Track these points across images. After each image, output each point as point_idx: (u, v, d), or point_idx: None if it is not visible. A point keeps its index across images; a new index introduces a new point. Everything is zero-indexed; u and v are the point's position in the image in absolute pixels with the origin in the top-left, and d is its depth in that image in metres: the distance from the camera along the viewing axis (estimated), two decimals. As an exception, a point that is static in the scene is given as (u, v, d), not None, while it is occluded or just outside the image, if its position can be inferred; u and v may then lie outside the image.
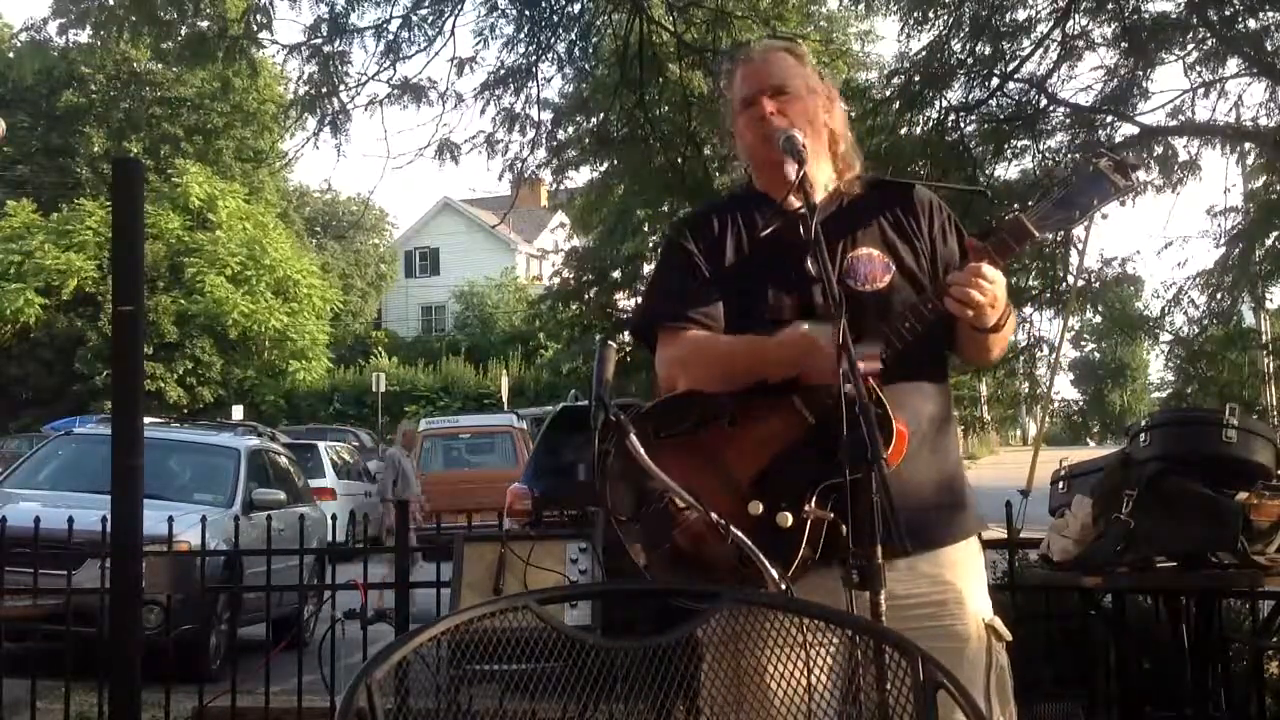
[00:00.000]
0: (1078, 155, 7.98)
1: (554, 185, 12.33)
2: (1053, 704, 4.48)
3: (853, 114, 8.19)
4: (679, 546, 2.10)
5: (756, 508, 2.06)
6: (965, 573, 2.20)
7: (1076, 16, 7.75)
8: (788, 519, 2.05)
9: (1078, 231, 7.37)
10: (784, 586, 2.02)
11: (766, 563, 2.02)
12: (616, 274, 16.74)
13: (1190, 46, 7.73)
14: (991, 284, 2.11)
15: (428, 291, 44.60)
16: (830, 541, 2.05)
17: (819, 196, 2.23)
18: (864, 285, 2.21)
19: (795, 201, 2.26)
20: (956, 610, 2.14)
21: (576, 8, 8.91)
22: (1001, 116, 8.04)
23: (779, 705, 1.85)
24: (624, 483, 2.13)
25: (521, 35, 8.78)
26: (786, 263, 2.23)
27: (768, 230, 2.26)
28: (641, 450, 2.06)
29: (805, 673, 1.81)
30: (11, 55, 31.40)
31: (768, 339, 2.16)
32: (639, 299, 2.48)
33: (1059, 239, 7.95)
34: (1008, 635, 2.19)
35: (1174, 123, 8.19)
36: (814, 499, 2.06)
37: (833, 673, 1.91)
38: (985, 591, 2.23)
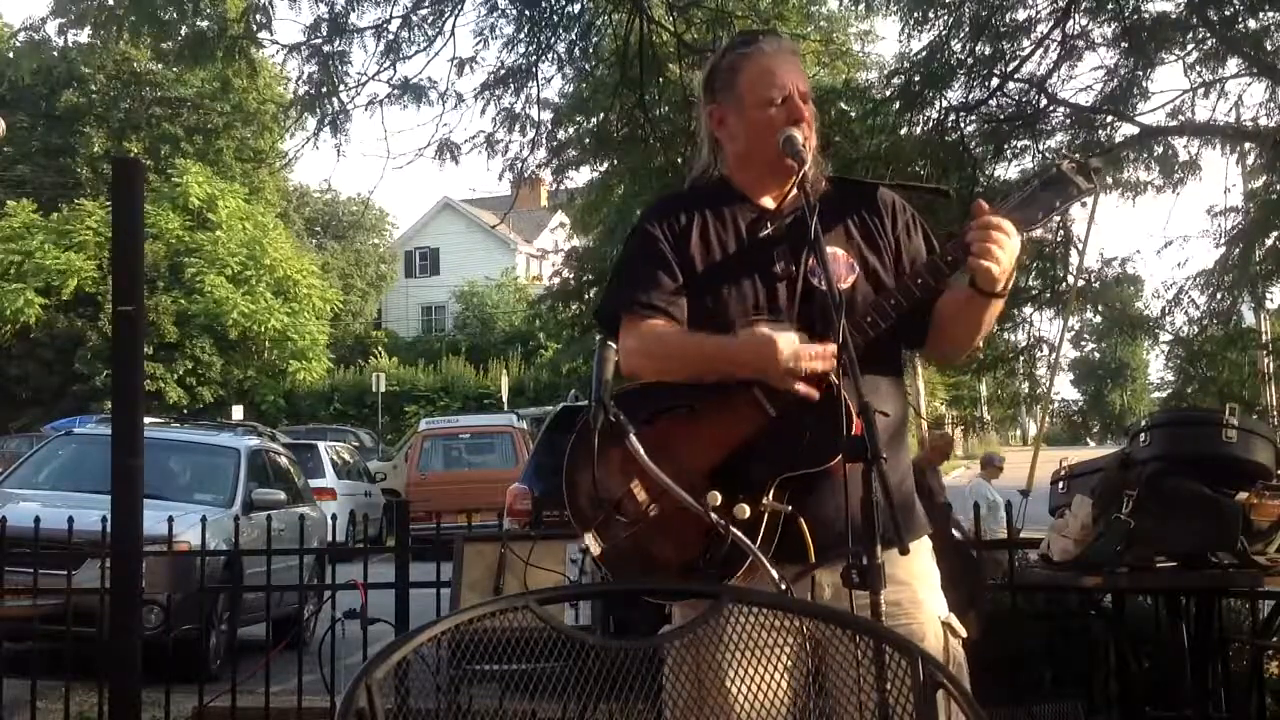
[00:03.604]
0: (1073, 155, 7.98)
1: (554, 185, 12.33)
2: (1053, 704, 4.48)
3: (853, 114, 8.22)
4: (625, 545, 2.12)
5: (715, 498, 2.06)
6: (919, 572, 2.21)
7: (1076, 16, 7.75)
8: (745, 511, 2.05)
9: (1078, 231, 7.38)
10: (784, 586, 2.02)
11: (767, 563, 2.03)
12: (616, 274, 16.71)
13: (1190, 46, 7.74)
14: (1010, 236, 2.11)
15: (428, 291, 44.58)
16: (789, 539, 2.06)
17: (791, 197, 2.25)
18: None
19: (767, 201, 2.28)
20: (912, 610, 2.15)
21: (576, 8, 8.90)
22: (1001, 116, 8.04)
23: (739, 706, 1.85)
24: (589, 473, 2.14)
25: (521, 35, 8.77)
26: (756, 260, 2.23)
27: (765, 232, 2.26)
28: (641, 450, 2.06)
29: (769, 672, 1.82)
30: (11, 55, 31.49)
31: (728, 338, 2.16)
32: (606, 284, 2.51)
33: (1059, 239, 7.96)
34: (963, 632, 2.21)
35: (1174, 123, 8.20)
36: (771, 492, 2.06)
37: (791, 673, 1.92)
38: (939, 590, 2.24)
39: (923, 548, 2.26)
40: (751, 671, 1.81)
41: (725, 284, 2.22)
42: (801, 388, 2.09)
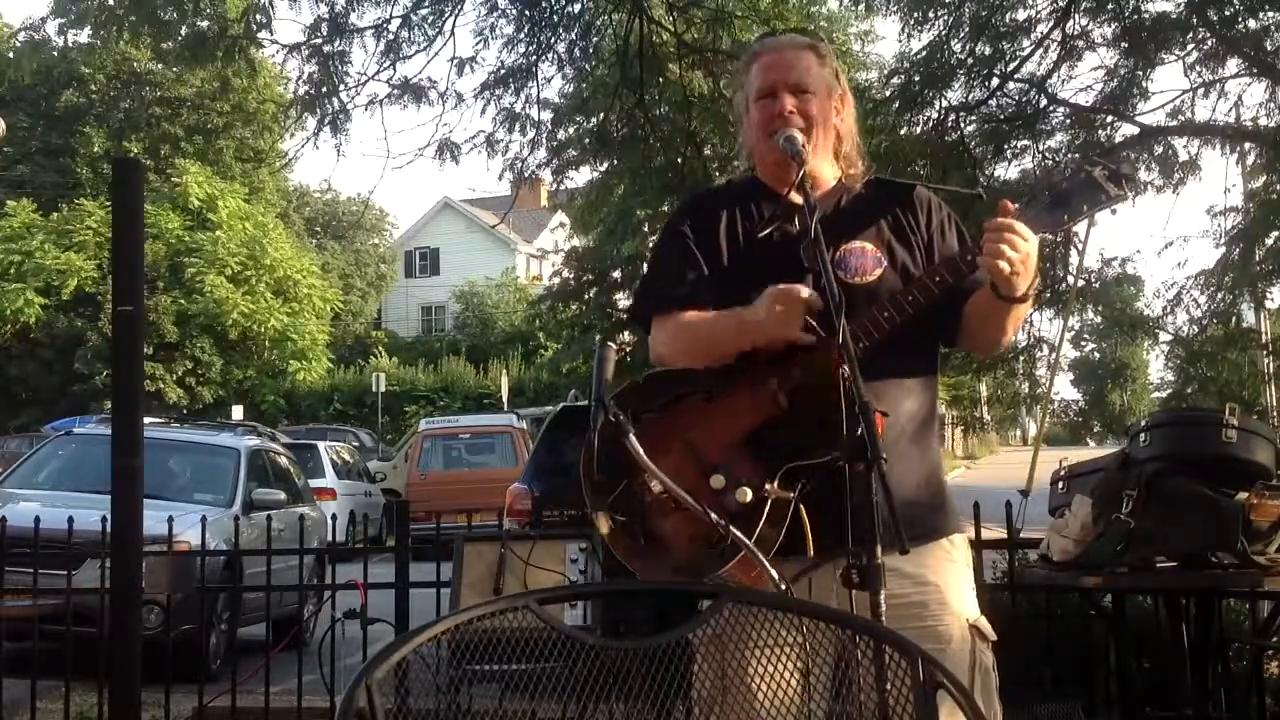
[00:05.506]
0: (1079, 157, 7.99)
1: (554, 185, 12.32)
2: (1053, 704, 4.48)
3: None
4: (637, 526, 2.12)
5: (718, 481, 2.07)
6: (948, 572, 2.18)
7: (1076, 16, 7.74)
8: (747, 494, 2.05)
9: (1078, 231, 7.38)
10: (783, 586, 2.02)
11: (766, 562, 2.02)
12: (616, 274, 16.73)
13: (1190, 46, 7.73)
14: (1025, 240, 2.08)
15: (428, 291, 44.58)
16: (800, 532, 2.05)
17: (820, 192, 2.25)
18: (854, 277, 2.22)
19: (796, 197, 2.28)
20: (939, 611, 2.13)
21: (576, 8, 8.90)
22: (1001, 116, 8.04)
23: (763, 704, 1.85)
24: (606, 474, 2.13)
25: (521, 35, 8.77)
26: (781, 255, 2.24)
27: (770, 228, 2.26)
28: (640, 450, 2.06)
29: (792, 671, 1.81)
30: (11, 55, 31.46)
31: (738, 308, 2.17)
32: (638, 284, 2.64)
33: (1059, 239, 7.95)
34: (992, 635, 2.18)
35: (1174, 123, 8.19)
36: (777, 480, 2.06)
37: (817, 671, 1.91)
38: (971, 591, 2.21)
39: (954, 547, 2.23)
40: (776, 669, 1.80)
41: (751, 277, 2.23)
42: (806, 337, 2.09)
